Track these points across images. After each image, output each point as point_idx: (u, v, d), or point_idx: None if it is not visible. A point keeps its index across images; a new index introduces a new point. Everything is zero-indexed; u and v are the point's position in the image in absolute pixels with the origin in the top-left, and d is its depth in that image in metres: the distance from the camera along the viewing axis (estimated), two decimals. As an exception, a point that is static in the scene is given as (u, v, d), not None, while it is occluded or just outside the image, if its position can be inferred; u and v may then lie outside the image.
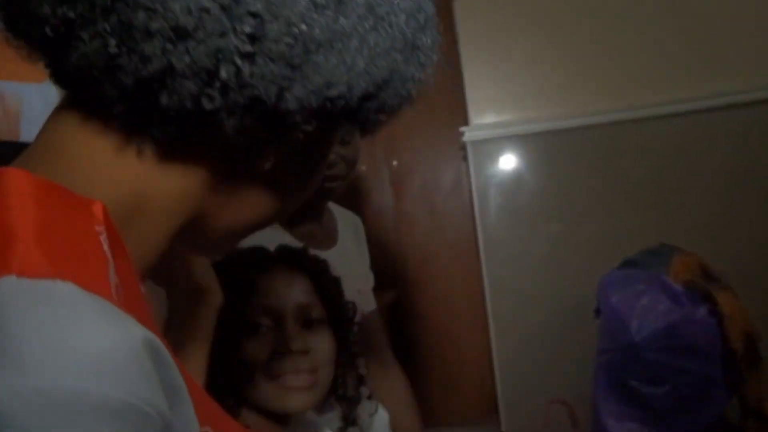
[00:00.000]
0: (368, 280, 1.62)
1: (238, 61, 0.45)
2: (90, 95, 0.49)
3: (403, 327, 3.48)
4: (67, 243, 0.40)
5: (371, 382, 1.60)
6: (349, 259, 1.54)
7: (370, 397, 1.16)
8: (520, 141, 2.70)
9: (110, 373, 0.35)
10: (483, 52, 2.74)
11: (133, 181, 0.50)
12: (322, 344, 1.02)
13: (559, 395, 2.65)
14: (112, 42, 0.44)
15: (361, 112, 0.55)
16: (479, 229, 2.79)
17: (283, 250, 1.09)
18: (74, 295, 0.37)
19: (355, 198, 3.48)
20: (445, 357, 3.43)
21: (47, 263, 0.38)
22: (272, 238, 1.25)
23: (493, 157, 2.73)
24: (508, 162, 2.73)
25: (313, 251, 1.41)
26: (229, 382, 0.96)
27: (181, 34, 0.43)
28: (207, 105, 0.46)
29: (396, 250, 3.49)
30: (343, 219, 1.63)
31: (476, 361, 3.17)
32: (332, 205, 1.63)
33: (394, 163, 3.48)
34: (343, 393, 1.07)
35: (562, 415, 2.66)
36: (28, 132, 1.89)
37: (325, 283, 1.07)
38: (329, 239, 1.53)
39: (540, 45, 2.71)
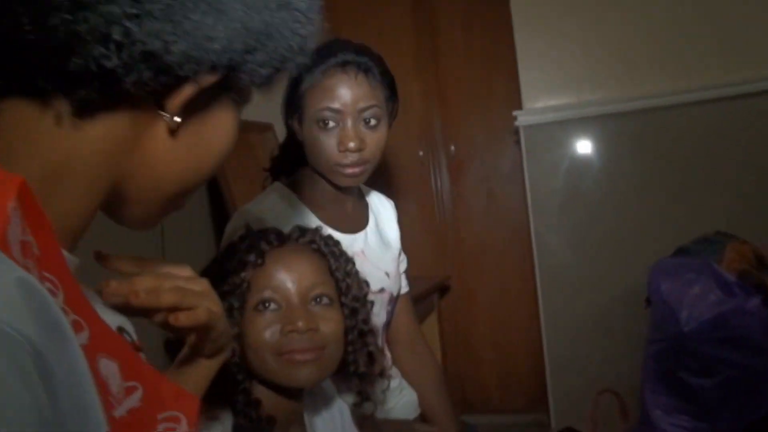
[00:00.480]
0: (400, 264, 1.63)
1: (127, 23, 0.52)
2: (4, 71, 0.54)
3: (458, 313, 3.49)
4: None
5: (403, 363, 1.62)
6: (378, 242, 1.55)
7: (381, 374, 1.17)
8: (574, 125, 2.66)
9: None
10: (537, 37, 2.71)
11: (54, 149, 0.56)
12: (329, 322, 1.02)
13: (609, 385, 2.61)
14: (25, 20, 0.50)
15: (246, 65, 0.60)
16: (531, 215, 2.76)
17: (297, 231, 1.10)
18: None
19: (412, 183, 3.50)
20: (500, 344, 3.42)
21: None
22: (302, 221, 1.28)
23: (547, 142, 2.70)
24: (561, 146, 2.69)
25: (337, 233, 1.44)
26: (240, 357, 1.00)
27: (78, 5, 0.51)
28: (107, 64, 0.52)
29: (453, 235, 3.49)
30: (375, 203, 1.64)
31: (529, 350, 3.15)
32: (364, 189, 1.64)
33: (452, 148, 3.47)
34: (354, 369, 1.09)
35: (612, 405, 2.61)
36: None
37: (337, 263, 1.09)
38: (358, 222, 1.53)
39: (594, 29, 2.65)
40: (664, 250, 2.34)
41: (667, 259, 2.27)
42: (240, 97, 0.67)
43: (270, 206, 1.39)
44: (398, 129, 3.38)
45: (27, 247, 0.47)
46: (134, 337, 0.77)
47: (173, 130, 0.61)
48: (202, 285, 0.75)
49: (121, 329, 0.75)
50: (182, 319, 0.70)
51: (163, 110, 0.59)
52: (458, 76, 3.41)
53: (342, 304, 1.07)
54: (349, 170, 1.37)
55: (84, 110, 0.56)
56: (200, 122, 0.63)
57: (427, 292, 2.94)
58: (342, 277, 1.08)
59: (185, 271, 0.76)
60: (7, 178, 0.49)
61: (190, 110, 0.61)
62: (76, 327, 0.50)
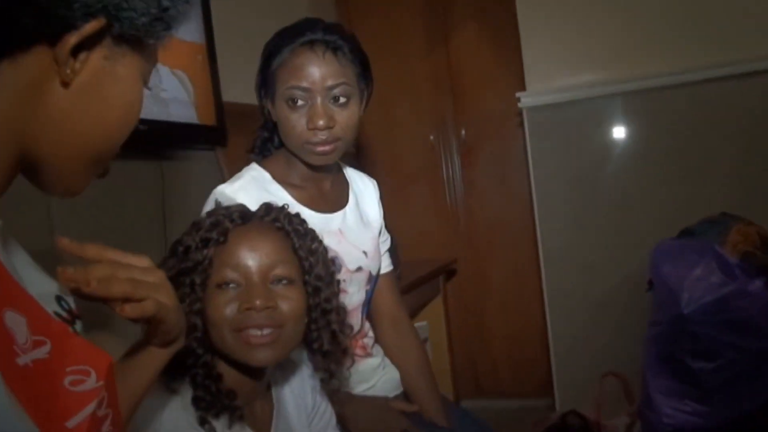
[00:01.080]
0: (382, 243, 1.62)
1: None
2: None
3: (469, 297, 3.47)
4: None
5: (385, 341, 1.62)
6: (357, 222, 1.54)
7: (345, 352, 1.17)
8: (577, 106, 2.62)
9: None
10: (540, 18, 2.67)
11: None
12: (289, 301, 1.02)
13: (614, 368, 2.58)
14: None
15: (123, 12, 0.63)
16: (535, 198, 2.73)
17: (263, 209, 1.11)
18: None
19: (423, 168, 3.49)
20: (510, 329, 3.40)
21: None
22: (275, 201, 1.28)
23: (550, 123, 2.67)
24: (564, 128, 2.66)
25: (313, 213, 1.44)
26: (202, 332, 1.00)
27: None
28: None
29: (464, 219, 3.48)
30: (357, 182, 1.64)
31: (538, 334, 3.12)
32: (345, 169, 1.64)
33: (462, 132, 3.45)
34: (318, 347, 1.10)
35: (616, 388, 2.58)
36: None
37: (301, 242, 1.08)
38: (336, 201, 1.53)
39: (596, 10, 2.61)
40: (669, 232, 2.30)
41: (668, 240, 2.23)
42: (141, 53, 0.67)
43: (242, 186, 1.40)
44: (409, 114, 3.42)
45: None
46: (72, 305, 0.79)
47: (66, 83, 0.62)
48: (157, 276, 0.75)
49: (59, 298, 0.77)
50: (128, 311, 0.70)
51: (56, 61, 0.60)
52: (469, 60, 3.39)
53: (305, 283, 1.07)
54: (320, 148, 1.37)
55: None
56: (97, 77, 0.64)
57: (432, 274, 2.93)
58: (305, 256, 1.07)
59: (142, 262, 0.76)
60: None
61: (84, 63, 0.62)
62: None
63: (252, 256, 1.01)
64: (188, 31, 2.08)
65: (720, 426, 2.07)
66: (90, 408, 0.60)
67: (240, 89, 2.31)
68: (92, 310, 1.65)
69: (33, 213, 1.57)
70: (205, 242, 1.01)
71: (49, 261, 1.58)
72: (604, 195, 2.64)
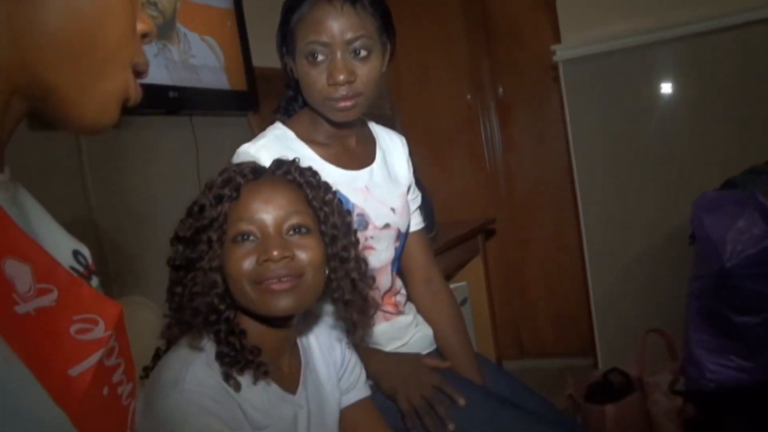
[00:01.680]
0: (412, 201, 1.61)
1: None
2: None
3: (510, 257, 3.45)
4: None
5: (418, 299, 1.62)
6: (385, 178, 1.53)
7: (366, 300, 1.17)
8: (614, 57, 2.54)
9: None
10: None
11: None
12: (306, 250, 1.03)
13: (656, 325, 2.54)
14: None
15: None
16: (573, 153, 2.68)
17: (274, 164, 1.11)
18: None
19: (460, 128, 3.45)
20: (552, 288, 3.38)
21: None
22: (301, 158, 1.28)
23: (586, 76, 2.60)
24: (601, 81, 2.58)
25: (339, 170, 1.44)
26: (223, 289, 1.01)
27: None
28: None
29: (503, 179, 3.44)
30: (384, 139, 1.63)
31: (580, 292, 3.09)
32: (373, 126, 1.63)
33: (500, 90, 3.40)
34: (339, 296, 1.10)
35: (659, 345, 2.54)
36: None
37: (314, 193, 1.09)
38: (363, 158, 1.51)
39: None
40: (712, 184, 2.24)
41: (710, 192, 2.16)
42: None
43: (265, 144, 1.40)
44: (445, 74, 3.38)
45: None
46: (89, 260, 0.80)
47: None
48: None
49: (76, 252, 0.78)
50: None
51: None
52: (504, 15, 3.32)
53: (321, 233, 1.07)
54: (341, 104, 1.36)
55: None
56: None
57: (471, 234, 2.91)
58: (320, 206, 1.08)
59: None
60: None
61: None
62: None
63: (266, 209, 1.03)
64: (217, -3, 2.09)
65: (765, 381, 2.03)
66: (96, 357, 0.60)
67: (269, 53, 2.31)
68: (126, 271, 1.70)
69: (68, 181, 1.61)
70: (219, 199, 1.02)
71: (85, 228, 1.62)
72: (644, 148, 2.57)
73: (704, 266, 2.11)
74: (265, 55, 2.26)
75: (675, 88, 2.55)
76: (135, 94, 0.68)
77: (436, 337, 1.60)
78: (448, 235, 2.63)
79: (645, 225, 2.60)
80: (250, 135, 2.25)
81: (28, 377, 0.54)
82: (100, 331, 0.61)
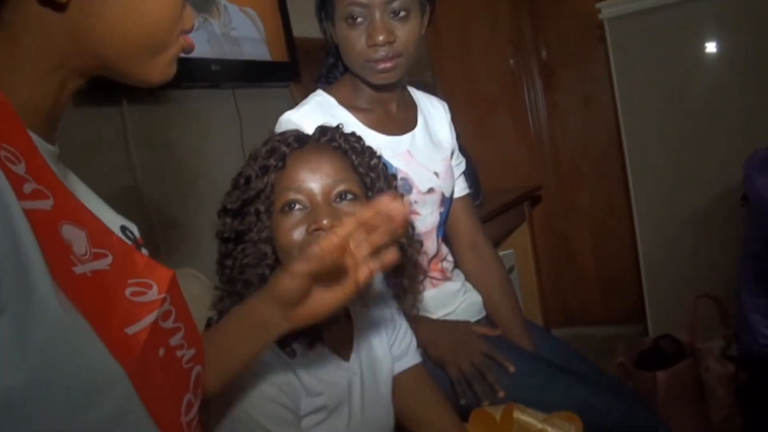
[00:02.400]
0: (456, 167, 1.59)
1: None
2: None
3: (557, 224, 3.41)
4: None
5: (465, 265, 1.61)
6: (427, 143, 1.52)
7: (416, 266, 1.16)
8: (662, 13, 2.45)
9: None
10: None
11: None
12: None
13: (708, 290, 2.48)
14: None
15: None
16: (621, 115, 2.62)
17: (318, 131, 1.10)
18: None
19: (503, 93, 3.40)
20: (600, 254, 3.33)
21: None
22: (343, 124, 1.27)
23: (633, 34, 2.51)
24: (649, 38, 2.50)
25: (381, 135, 1.43)
26: (273, 260, 1.01)
27: None
28: None
29: (549, 144, 3.39)
30: (426, 104, 1.61)
31: (629, 258, 3.04)
32: (414, 92, 1.61)
33: (543, 53, 3.33)
34: None
35: (711, 310, 2.49)
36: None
37: (359, 159, 1.08)
38: (405, 124, 1.51)
39: None
40: (764, 142, 2.16)
41: (763, 150, 2.08)
42: None
43: (307, 111, 1.40)
44: (486, 37, 3.32)
45: None
46: (137, 235, 0.82)
47: None
48: None
49: (123, 228, 0.79)
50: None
51: None
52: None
53: (368, 198, 1.06)
54: (381, 65, 1.35)
55: None
56: None
57: (517, 200, 2.88)
58: (365, 172, 1.07)
59: None
60: None
61: None
62: (38, 195, 0.56)
63: (313, 178, 1.01)
64: (256, -32, 2.08)
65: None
66: (151, 318, 0.62)
67: (309, 23, 2.30)
68: (175, 244, 1.72)
69: (113, 154, 1.63)
70: (265, 169, 1.02)
71: (130, 201, 1.64)
72: (694, 107, 2.49)
73: (758, 228, 2.05)
74: (305, 26, 2.26)
75: (724, 44, 2.46)
76: (188, 47, 0.75)
77: (485, 303, 1.59)
78: (494, 203, 2.60)
79: (695, 187, 2.54)
80: (293, 105, 2.25)
81: (88, 330, 0.56)
82: (153, 294, 0.64)
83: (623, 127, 2.63)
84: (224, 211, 1.04)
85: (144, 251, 0.80)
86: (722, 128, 2.47)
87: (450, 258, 1.58)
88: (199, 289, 1.47)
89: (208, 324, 1.05)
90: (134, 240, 0.80)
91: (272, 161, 1.02)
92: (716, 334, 2.42)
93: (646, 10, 2.47)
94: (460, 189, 1.60)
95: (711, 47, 2.47)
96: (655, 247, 2.66)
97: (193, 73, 1.77)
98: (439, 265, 1.52)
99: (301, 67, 2.21)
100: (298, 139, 1.06)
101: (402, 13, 1.33)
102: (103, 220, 0.71)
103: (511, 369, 1.34)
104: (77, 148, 1.29)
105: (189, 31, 0.75)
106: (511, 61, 3.39)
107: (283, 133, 1.08)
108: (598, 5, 2.55)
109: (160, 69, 0.72)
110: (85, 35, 0.65)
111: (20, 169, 0.54)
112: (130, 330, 0.60)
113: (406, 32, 1.34)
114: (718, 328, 2.46)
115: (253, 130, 2.00)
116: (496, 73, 3.39)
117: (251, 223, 1.00)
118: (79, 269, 0.57)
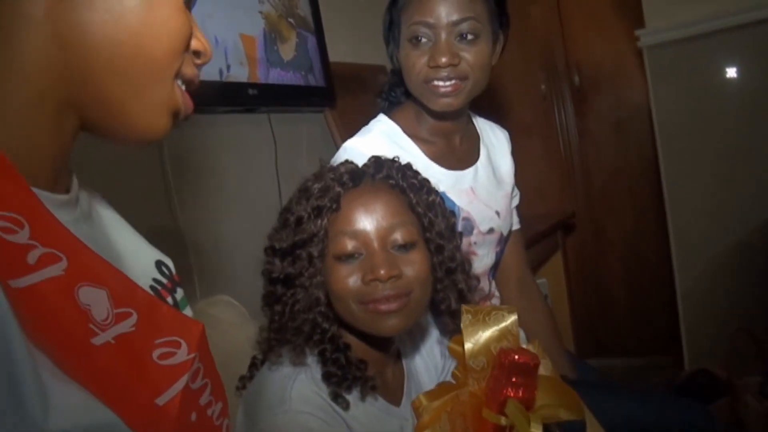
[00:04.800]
0: (512, 200, 1.54)
1: None
2: None
3: (587, 252, 3.35)
4: None
5: (512, 302, 1.56)
6: (489, 179, 1.45)
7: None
8: (704, 41, 2.40)
9: None
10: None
11: None
12: (413, 265, 0.96)
13: (746, 323, 2.41)
14: None
15: None
16: (659, 143, 2.56)
17: (372, 166, 1.03)
18: None
19: (535, 118, 3.36)
20: (631, 283, 3.26)
21: None
22: (406, 157, 1.23)
23: (674, 62, 2.47)
24: (690, 66, 2.45)
25: (443, 170, 1.37)
26: (325, 305, 0.97)
27: None
28: None
29: (580, 170, 3.34)
30: (488, 134, 1.54)
31: (662, 288, 2.97)
32: (477, 119, 1.55)
33: (576, 78, 3.29)
34: (446, 308, 1.02)
35: (748, 345, 2.42)
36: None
37: (418, 197, 1.01)
38: (468, 157, 1.44)
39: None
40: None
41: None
42: None
43: (373, 141, 1.34)
44: (518, 61, 3.28)
45: None
46: (173, 271, 0.78)
47: None
48: None
49: (159, 263, 0.76)
50: None
51: None
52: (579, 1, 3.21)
53: (426, 241, 1.01)
54: (442, 88, 1.28)
55: None
56: None
57: (551, 229, 2.83)
58: (424, 212, 1.01)
59: None
60: None
61: None
62: (48, 260, 0.51)
63: (369, 221, 0.96)
64: (293, -8, 2.07)
65: None
66: (182, 382, 0.57)
67: (345, 49, 2.30)
68: (210, 270, 1.70)
69: (152, 187, 1.62)
70: (318, 211, 0.96)
71: (165, 225, 1.63)
72: (735, 135, 2.43)
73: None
74: (340, 50, 2.25)
75: (765, 72, 2.40)
76: (185, 107, 0.67)
77: (528, 338, 1.55)
78: (529, 232, 2.55)
79: (736, 216, 2.48)
80: (327, 130, 2.24)
81: (115, 423, 0.52)
82: (183, 354, 0.58)
83: (661, 156, 2.58)
84: (272, 250, 0.99)
85: (179, 290, 0.76)
86: (763, 157, 2.42)
87: (497, 294, 1.53)
88: (235, 316, 1.44)
89: (253, 363, 1.01)
90: (170, 276, 0.76)
91: (326, 202, 0.97)
92: (755, 370, 2.35)
93: (686, 38, 2.43)
94: (514, 223, 1.54)
95: (752, 76, 2.42)
96: (693, 277, 2.59)
97: (230, 97, 1.76)
98: (488, 303, 1.48)
99: (336, 92, 2.20)
100: (353, 177, 1.00)
101: (470, 37, 1.28)
102: (137, 255, 0.68)
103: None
104: (112, 173, 1.27)
105: (189, 82, 0.67)
106: (543, 87, 3.36)
107: (336, 170, 1.02)
108: (637, 32, 2.51)
109: (149, 113, 0.63)
110: (71, 31, 0.57)
111: (23, 236, 0.49)
112: (161, 400, 0.55)
113: (472, 56, 1.28)
114: (756, 363, 2.39)
115: (287, 155, 1.99)
116: (527, 98, 3.35)
117: (303, 267, 0.96)
118: (99, 339, 0.52)
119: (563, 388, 0.90)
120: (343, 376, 0.94)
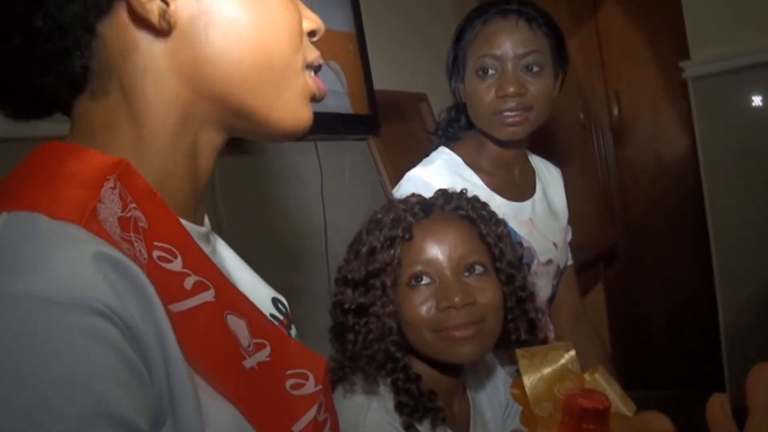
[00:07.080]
0: (567, 234, 1.54)
1: None
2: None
3: (626, 283, 3.31)
4: (54, 187, 0.49)
5: (566, 337, 1.54)
6: (546, 212, 1.47)
7: (544, 341, 1.11)
8: (750, 73, 2.38)
9: (58, 278, 0.43)
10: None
11: (105, 120, 0.56)
12: (486, 293, 0.98)
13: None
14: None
15: None
16: (704, 176, 2.53)
17: (441, 197, 1.05)
18: (40, 220, 0.46)
19: (573, 148, 3.35)
20: (672, 316, 3.21)
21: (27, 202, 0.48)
22: (468, 187, 1.24)
23: (719, 94, 2.45)
24: (735, 98, 2.43)
25: (504, 200, 1.38)
26: (397, 334, 0.98)
27: None
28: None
29: (619, 201, 3.32)
30: (543, 170, 1.57)
31: (703, 322, 2.92)
32: (533, 157, 1.57)
33: (615, 109, 3.28)
34: (516, 338, 1.02)
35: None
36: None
37: (488, 228, 1.03)
38: (526, 189, 1.46)
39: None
40: None
41: None
42: None
43: (437, 171, 1.36)
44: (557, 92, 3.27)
45: (127, 222, 0.49)
46: (288, 309, 0.78)
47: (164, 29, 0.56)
48: None
49: (276, 300, 0.76)
50: None
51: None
52: (619, 29, 3.21)
53: (497, 270, 1.02)
54: (510, 119, 1.30)
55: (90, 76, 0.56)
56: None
57: (593, 260, 2.80)
58: (494, 242, 1.03)
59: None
60: (105, 161, 0.52)
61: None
62: (200, 287, 0.53)
63: (441, 250, 0.98)
64: (338, 21, 2.09)
65: None
66: (312, 412, 0.58)
67: (389, 76, 2.31)
68: (299, 317, 1.70)
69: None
70: (391, 241, 0.98)
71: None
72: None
73: None
74: (385, 78, 2.26)
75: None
76: (318, 90, 0.68)
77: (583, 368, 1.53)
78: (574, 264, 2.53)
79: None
80: (370, 158, 2.25)
81: None
82: (311, 386, 0.59)
83: (706, 188, 2.54)
84: (344, 281, 1.00)
85: (293, 331, 0.76)
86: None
87: (551, 327, 1.52)
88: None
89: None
90: (286, 313, 0.76)
91: (399, 232, 0.99)
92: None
93: (733, 70, 2.41)
94: (568, 258, 1.56)
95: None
96: (738, 312, 2.54)
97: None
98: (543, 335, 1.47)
99: (380, 119, 2.21)
100: (424, 208, 1.03)
101: (535, 69, 1.31)
102: (257, 293, 0.68)
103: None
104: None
105: (316, 66, 0.68)
106: (581, 116, 3.35)
107: (406, 201, 1.05)
108: (681, 64, 2.49)
109: (291, 108, 0.63)
110: (197, 68, 0.58)
111: (177, 264, 0.52)
112: (296, 428, 0.56)
113: (538, 87, 1.31)
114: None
115: (332, 182, 2.00)
116: (565, 127, 3.34)
117: (376, 296, 0.97)
118: (247, 363, 0.54)
119: (638, 425, 0.88)
120: (416, 407, 0.94)
